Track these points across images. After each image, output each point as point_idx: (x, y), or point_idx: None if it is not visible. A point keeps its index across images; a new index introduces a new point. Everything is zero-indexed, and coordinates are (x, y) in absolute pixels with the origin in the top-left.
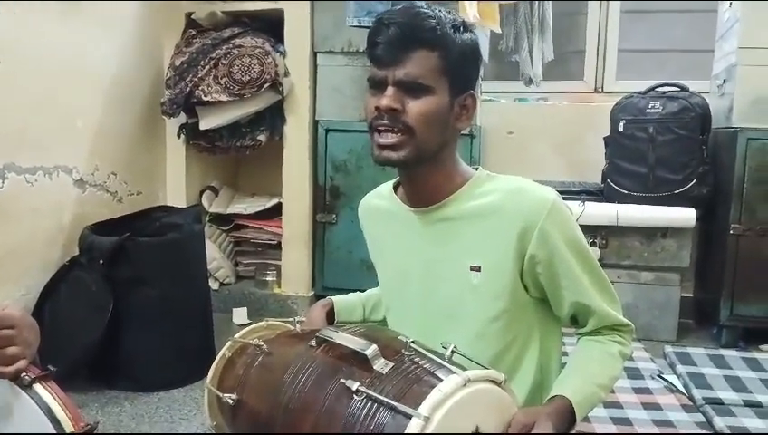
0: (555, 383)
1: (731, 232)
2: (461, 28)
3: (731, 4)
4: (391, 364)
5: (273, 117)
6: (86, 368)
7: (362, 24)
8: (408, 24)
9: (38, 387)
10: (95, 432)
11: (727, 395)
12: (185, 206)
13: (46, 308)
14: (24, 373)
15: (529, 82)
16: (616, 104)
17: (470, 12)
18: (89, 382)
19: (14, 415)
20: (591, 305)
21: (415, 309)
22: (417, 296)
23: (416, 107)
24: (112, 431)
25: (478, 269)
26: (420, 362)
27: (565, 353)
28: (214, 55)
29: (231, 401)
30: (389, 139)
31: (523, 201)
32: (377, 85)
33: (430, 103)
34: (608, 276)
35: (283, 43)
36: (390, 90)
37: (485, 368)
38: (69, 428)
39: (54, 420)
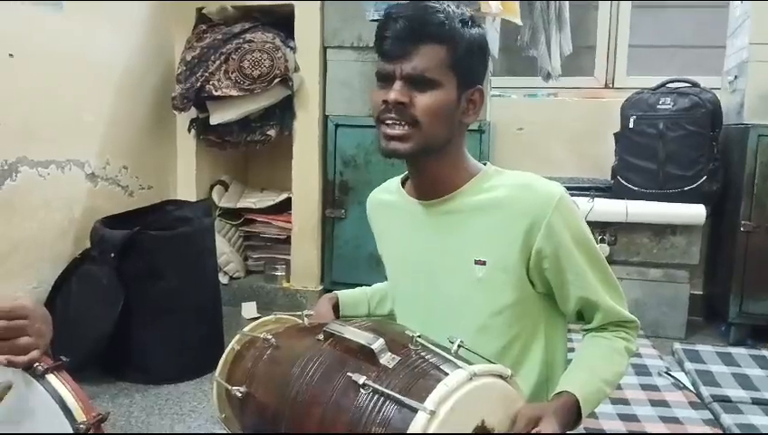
0: (561, 379)
1: (741, 229)
2: (469, 23)
3: (742, 0)
4: (398, 358)
5: (283, 112)
6: (97, 360)
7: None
8: (415, 18)
9: (51, 377)
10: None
11: (735, 393)
12: (195, 200)
13: (58, 301)
14: (37, 363)
15: (547, 76)
16: (626, 100)
17: (493, 4)
18: (100, 374)
19: (27, 404)
20: (597, 301)
21: (420, 301)
22: (422, 288)
23: (423, 101)
24: (123, 422)
25: (483, 263)
26: (426, 357)
27: (571, 350)
28: (224, 50)
29: (240, 394)
30: (396, 130)
31: (529, 196)
32: (385, 79)
33: (437, 97)
34: (617, 273)
35: (293, 38)
36: (398, 84)
37: (492, 362)
38: (81, 417)
39: (66, 410)
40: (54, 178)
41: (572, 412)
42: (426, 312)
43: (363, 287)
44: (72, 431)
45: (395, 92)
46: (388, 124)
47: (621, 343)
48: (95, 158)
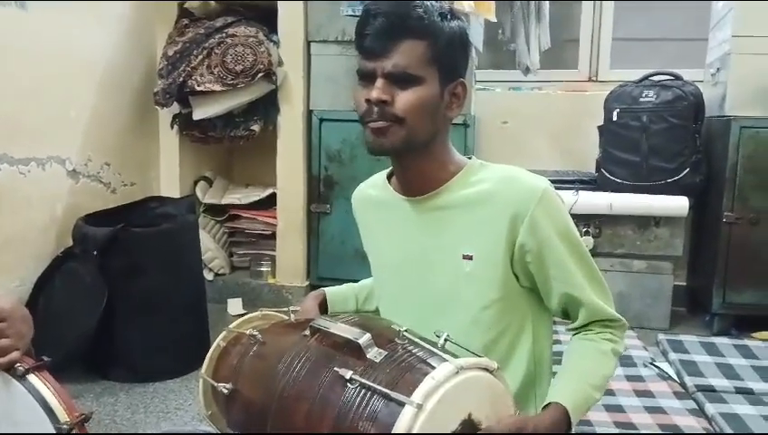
0: (550, 388)
1: (724, 220)
2: (448, 16)
3: None
4: (384, 353)
5: (267, 107)
6: (81, 359)
7: (357, 14)
8: (394, 13)
9: (32, 377)
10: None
11: (719, 382)
12: (179, 196)
13: (40, 299)
14: (18, 364)
15: (526, 70)
16: (610, 93)
17: (466, 3)
18: (84, 373)
19: (8, 405)
20: (581, 297)
21: (408, 298)
22: (409, 285)
23: (405, 98)
24: (108, 421)
25: (470, 258)
26: (413, 351)
27: (557, 342)
28: (207, 45)
29: (226, 391)
30: (379, 124)
31: (513, 189)
32: (366, 77)
33: (420, 93)
34: (601, 265)
35: (276, 32)
36: (380, 81)
37: (478, 356)
38: (63, 417)
39: (48, 410)
40: (35, 175)
41: (562, 424)
42: (414, 308)
43: (350, 283)
44: (54, 432)
45: (377, 91)
46: (371, 122)
47: (608, 345)
48: (76, 154)
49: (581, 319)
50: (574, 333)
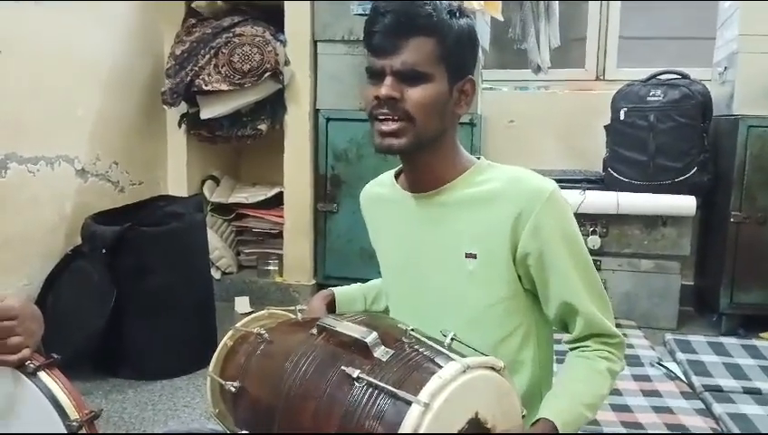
0: (542, 404)
1: (731, 220)
2: (457, 13)
3: None
4: (391, 352)
5: (274, 106)
6: (89, 357)
7: (367, 13)
8: (403, 11)
9: (42, 375)
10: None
11: (727, 382)
12: (186, 195)
13: (49, 297)
14: (29, 361)
15: (537, 69)
16: (617, 92)
17: (474, 1)
18: (92, 371)
19: (18, 402)
20: (579, 307)
21: (413, 295)
22: (414, 282)
23: (414, 95)
24: (116, 418)
25: (474, 256)
26: (420, 350)
27: (557, 341)
28: (214, 44)
29: (233, 389)
30: (390, 126)
31: (519, 189)
32: (375, 75)
33: (429, 91)
34: (608, 265)
35: (283, 31)
36: (389, 79)
37: (485, 355)
38: (73, 415)
39: (58, 407)
40: (44, 174)
41: None
42: (418, 305)
43: (359, 284)
44: (64, 429)
45: (386, 88)
46: (381, 120)
47: (603, 364)
48: (85, 153)
49: (578, 330)
50: (571, 347)
